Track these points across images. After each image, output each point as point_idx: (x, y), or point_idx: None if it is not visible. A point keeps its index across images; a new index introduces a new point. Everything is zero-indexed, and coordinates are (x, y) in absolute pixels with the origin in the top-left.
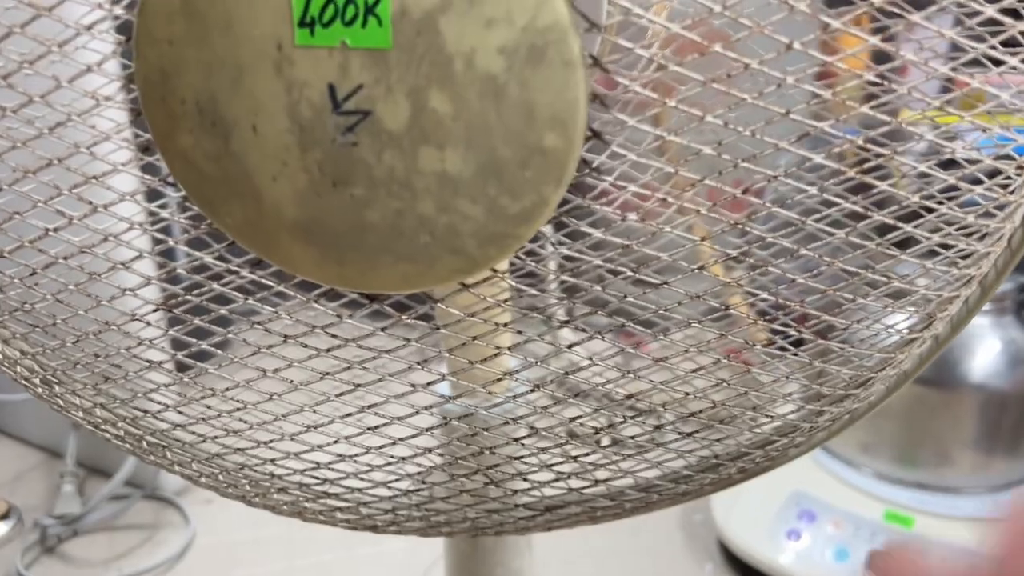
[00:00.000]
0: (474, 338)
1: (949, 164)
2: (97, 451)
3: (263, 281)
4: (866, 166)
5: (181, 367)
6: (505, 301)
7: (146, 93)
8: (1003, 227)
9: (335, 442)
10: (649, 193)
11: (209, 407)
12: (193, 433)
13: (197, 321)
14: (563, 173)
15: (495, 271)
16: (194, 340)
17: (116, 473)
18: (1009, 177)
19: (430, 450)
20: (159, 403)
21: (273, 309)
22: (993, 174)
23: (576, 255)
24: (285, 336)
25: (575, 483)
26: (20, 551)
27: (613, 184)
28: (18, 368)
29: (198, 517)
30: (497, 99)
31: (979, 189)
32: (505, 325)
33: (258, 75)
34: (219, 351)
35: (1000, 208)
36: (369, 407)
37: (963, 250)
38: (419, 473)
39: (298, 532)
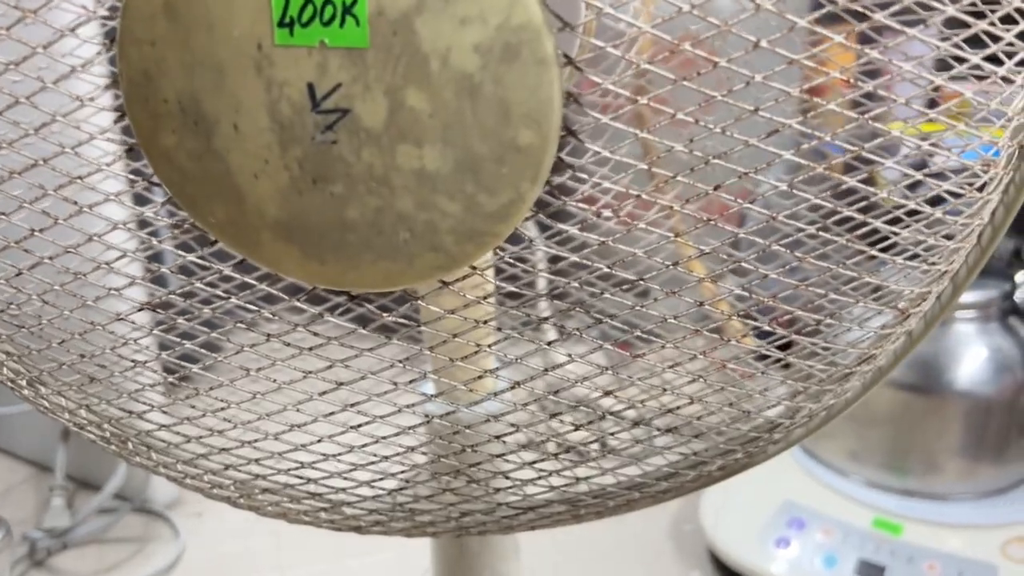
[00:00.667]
0: (455, 336)
1: (919, 163)
2: (86, 464)
3: (247, 280)
4: (834, 162)
5: (167, 368)
6: (485, 299)
7: (130, 94)
8: (972, 223)
9: (318, 441)
10: (624, 191)
11: (194, 407)
12: (178, 433)
13: (181, 321)
14: (539, 170)
15: (474, 268)
16: (179, 340)
17: (105, 486)
18: (976, 174)
19: (413, 449)
20: (144, 404)
21: (256, 309)
22: (961, 171)
23: (556, 252)
24: (268, 335)
25: (557, 481)
26: (9, 565)
27: (594, 183)
28: (4, 370)
29: (188, 530)
30: (473, 97)
31: (946, 185)
32: (486, 323)
33: (239, 74)
34: (204, 351)
35: (968, 205)
36: (352, 405)
37: (934, 247)
38: (403, 472)
39: (287, 544)
